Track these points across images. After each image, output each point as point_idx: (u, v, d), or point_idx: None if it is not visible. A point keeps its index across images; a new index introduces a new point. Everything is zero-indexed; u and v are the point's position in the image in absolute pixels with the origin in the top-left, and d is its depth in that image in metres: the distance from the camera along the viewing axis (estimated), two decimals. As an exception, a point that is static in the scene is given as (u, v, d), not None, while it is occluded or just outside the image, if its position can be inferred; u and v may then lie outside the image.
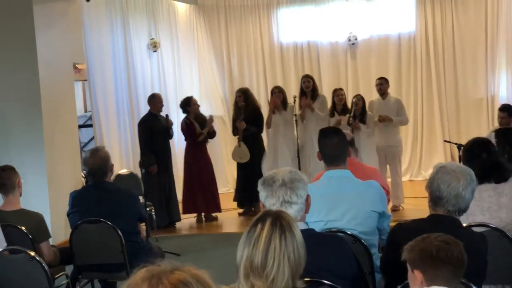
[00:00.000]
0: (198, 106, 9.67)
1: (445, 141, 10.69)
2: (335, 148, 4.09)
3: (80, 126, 10.53)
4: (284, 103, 9.68)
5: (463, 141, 9.19)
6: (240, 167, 9.79)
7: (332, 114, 9.58)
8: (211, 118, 9.62)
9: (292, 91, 10.02)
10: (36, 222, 5.00)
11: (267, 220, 2.37)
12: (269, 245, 2.31)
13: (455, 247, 2.57)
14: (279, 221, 2.37)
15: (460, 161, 7.82)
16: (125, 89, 10.65)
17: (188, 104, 9.59)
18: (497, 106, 10.66)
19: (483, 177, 4.07)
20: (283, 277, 2.29)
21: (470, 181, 3.24)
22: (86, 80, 10.23)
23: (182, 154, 10.21)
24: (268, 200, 3.03)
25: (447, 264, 2.53)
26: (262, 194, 3.05)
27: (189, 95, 9.99)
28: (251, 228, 2.38)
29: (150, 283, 1.48)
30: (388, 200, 4.51)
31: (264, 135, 9.97)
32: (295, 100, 9.62)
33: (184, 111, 9.65)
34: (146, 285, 1.48)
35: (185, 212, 9.64)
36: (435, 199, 3.28)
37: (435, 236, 2.64)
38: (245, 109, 9.58)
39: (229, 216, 9.82)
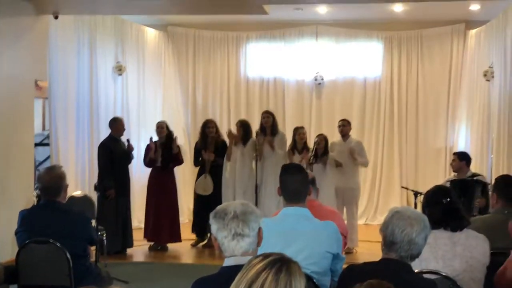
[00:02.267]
0: (160, 130, 9.57)
1: (403, 187, 10.75)
2: (296, 185, 4.07)
3: (37, 144, 10.36)
4: (246, 137, 9.66)
5: (420, 188, 9.37)
6: (201, 198, 9.61)
7: (292, 152, 9.57)
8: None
9: (256, 126, 10.01)
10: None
11: (270, 263, 2.22)
12: None
13: None
14: (285, 267, 2.21)
15: (415, 208, 7.92)
16: (87, 110, 10.52)
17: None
18: (455, 157, 10.84)
19: (441, 222, 4.10)
20: None
21: (424, 227, 3.24)
22: (47, 98, 10.09)
23: (140, 179, 10.10)
24: (219, 232, 2.98)
25: None
26: (214, 226, 3.00)
27: (153, 120, 9.96)
28: (254, 273, 2.20)
29: None
30: (345, 244, 4.49)
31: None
32: (257, 135, 9.60)
33: None
34: None
35: (146, 237, 9.55)
36: (388, 243, 3.28)
37: (379, 282, 2.62)
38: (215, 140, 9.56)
39: (182, 246, 9.69)
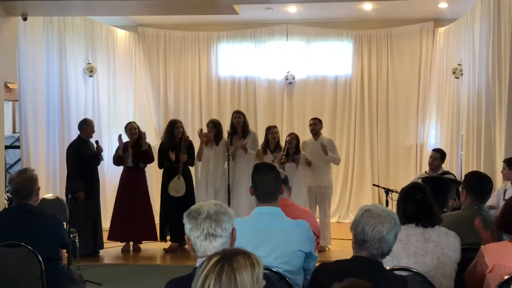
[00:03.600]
0: (132, 132, 9.51)
1: (374, 185, 10.82)
2: (268, 185, 4.08)
3: (7, 147, 10.26)
4: (217, 137, 9.64)
5: (391, 186, 9.45)
6: (173, 199, 9.46)
7: (264, 152, 9.58)
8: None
9: (227, 125, 10.01)
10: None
11: (212, 260, 2.26)
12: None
13: None
14: (229, 262, 2.25)
15: (387, 206, 7.98)
16: (58, 112, 10.44)
17: (125, 129, 9.58)
18: (426, 153, 10.96)
19: (413, 217, 4.17)
20: None
21: (394, 225, 3.27)
22: (17, 100, 10.00)
23: (112, 180, 10.05)
24: (192, 232, 2.98)
25: None
26: (187, 226, 3.00)
27: (124, 121, 9.90)
28: (201, 273, 2.24)
29: None
30: (317, 243, 4.51)
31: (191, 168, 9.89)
32: (228, 135, 9.59)
33: None
34: None
35: (111, 239, 9.48)
36: (359, 241, 3.30)
37: (358, 281, 2.65)
38: (181, 141, 9.50)
39: (155, 247, 9.66)
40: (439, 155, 8.56)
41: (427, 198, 4.25)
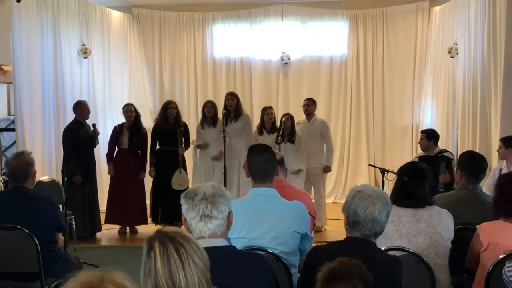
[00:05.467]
0: (129, 114, 9.47)
1: (370, 165, 10.82)
2: (263, 165, 4.08)
3: (2, 130, 10.24)
4: (214, 118, 9.63)
5: (387, 166, 9.46)
6: (164, 182, 9.39)
7: (261, 132, 9.57)
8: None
9: (223, 107, 9.99)
10: None
11: (155, 244, 2.35)
12: (169, 262, 2.28)
13: (363, 273, 2.60)
14: (166, 236, 2.35)
15: (382, 186, 8.00)
16: (53, 94, 10.39)
17: (123, 110, 9.54)
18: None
19: (402, 198, 4.21)
20: (194, 282, 2.27)
21: (385, 204, 3.29)
22: (11, 82, 9.95)
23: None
24: (188, 213, 3.00)
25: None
26: (184, 207, 3.03)
27: (119, 103, 9.86)
28: (146, 263, 2.36)
29: None
30: (314, 224, 4.52)
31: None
32: (224, 116, 9.56)
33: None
34: None
35: (108, 222, 9.49)
36: (352, 223, 3.32)
37: (348, 259, 2.66)
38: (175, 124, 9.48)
39: (152, 229, 9.63)
40: (424, 135, 8.59)
41: (415, 181, 4.25)
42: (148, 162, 9.60)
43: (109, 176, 9.64)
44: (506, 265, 3.18)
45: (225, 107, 9.66)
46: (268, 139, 9.14)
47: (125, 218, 9.49)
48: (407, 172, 4.33)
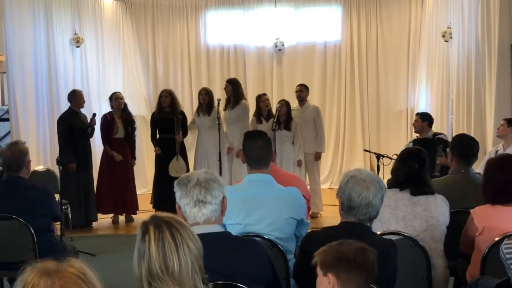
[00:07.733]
0: (119, 102, 9.41)
1: (365, 150, 10.83)
2: (259, 151, 4.08)
3: (-3, 120, 10.20)
4: (209, 106, 9.62)
5: (382, 151, 9.48)
6: (164, 171, 9.45)
7: (259, 121, 9.54)
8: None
9: (217, 94, 9.97)
10: None
11: (150, 228, 2.34)
12: (164, 247, 2.28)
13: (370, 254, 2.58)
14: (161, 220, 2.35)
15: (378, 172, 8.00)
16: (46, 84, 10.36)
17: (110, 99, 9.47)
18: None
19: (402, 184, 4.19)
20: (187, 267, 2.26)
21: (379, 188, 3.29)
22: (4, 72, 9.92)
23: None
24: (182, 200, 3.00)
25: (362, 269, 2.53)
26: (177, 194, 3.02)
27: (113, 91, 9.82)
28: (140, 246, 2.35)
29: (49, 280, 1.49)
30: (309, 208, 4.53)
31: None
32: (219, 103, 9.54)
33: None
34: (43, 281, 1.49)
35: (99, 211, 9.47)
36: (346, 208, 3.32)
37: (351, 242, 2.65)
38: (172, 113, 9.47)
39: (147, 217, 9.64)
40: (418, 116, 8.67)
41: (424, 167, 4.24)
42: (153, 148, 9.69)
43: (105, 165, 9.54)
44: (504, 242, 3.17)
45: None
46: (267, 127, 9.12)
47: (116, 207, 9.48)
48: (417, 159, 4.28)
